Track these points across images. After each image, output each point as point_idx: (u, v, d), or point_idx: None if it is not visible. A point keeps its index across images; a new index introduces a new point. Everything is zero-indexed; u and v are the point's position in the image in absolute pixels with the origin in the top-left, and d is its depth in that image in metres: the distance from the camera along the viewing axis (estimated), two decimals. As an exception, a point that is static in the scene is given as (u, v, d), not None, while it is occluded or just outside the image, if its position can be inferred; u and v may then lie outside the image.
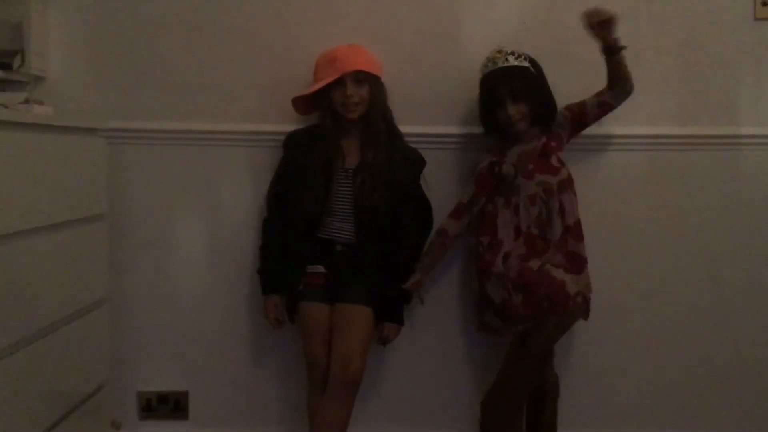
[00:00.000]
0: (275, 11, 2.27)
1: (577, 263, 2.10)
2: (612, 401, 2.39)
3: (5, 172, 1.63)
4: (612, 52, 2.04)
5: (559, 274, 2.07)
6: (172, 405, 2.36)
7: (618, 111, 2.25)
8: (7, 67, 2.06)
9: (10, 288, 1.65)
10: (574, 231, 2.11)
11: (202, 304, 2.34)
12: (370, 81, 2.12)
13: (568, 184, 2.12)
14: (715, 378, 2.39)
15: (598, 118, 2.17)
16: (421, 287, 2.20)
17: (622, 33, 2.24)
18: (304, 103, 2.18)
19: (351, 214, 2.13)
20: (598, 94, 2.13)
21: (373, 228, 2.12)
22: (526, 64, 2.10)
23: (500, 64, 2.09)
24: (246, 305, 2.34)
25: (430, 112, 2.30)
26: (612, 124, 2.29)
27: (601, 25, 1.99)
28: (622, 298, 2.36)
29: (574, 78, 2.24)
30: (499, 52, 2.11)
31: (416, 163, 2.20)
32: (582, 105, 2.15)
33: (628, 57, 2.20)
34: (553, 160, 2.11)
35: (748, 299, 2.38)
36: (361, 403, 2.13)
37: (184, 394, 2.36)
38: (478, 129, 2.21)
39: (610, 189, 2.34)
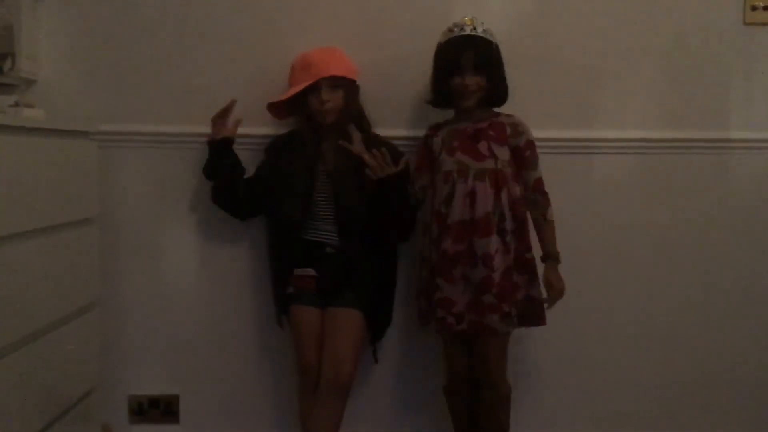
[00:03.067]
0: (265, 15, 2.27)
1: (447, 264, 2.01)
2: (604, 403, 2.40)
3: (-5, 176, 1.62)
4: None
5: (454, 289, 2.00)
6: (163, 409, 2.35)
7: (607, 114, 2.32)
8: (-3, 69, 2.06)
9: (-1, 291, 1.65)
10: (481, 223, 1.98)
11: (193, 307, 2.34)
12: (345, 86, 2.12)
13: (492, 176, 1.99)
14: (706, 380, 2.40)
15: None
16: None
17: (613, 36, 2.30)
18: (280, 108, 2.18)
19: (333, 216, 2.14)
20: (526, 189, 2.05)
21: (355, 229, 2.12)
22: (494, 41, 2.02)
23: (468, 32, 1.99)
24: (237, 309, 2.33)
25: (413, 116, 2.28)
26: (602, 128, 2.32)
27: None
28: (612, 301, 2.37)
29: (560, 81, 2.29)
30: (471, 20, 2.01)
31: (393, 157, 2.17)
32: (524, 173, 2.05)
33: (618, 59, 2.29)
34: (482, 147, 2.02)
35: (739, 301, 2.39)
36: (351, 405, 2.13)
37: (175, 398, 2.36)
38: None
39: (599, 192, 2.34)
